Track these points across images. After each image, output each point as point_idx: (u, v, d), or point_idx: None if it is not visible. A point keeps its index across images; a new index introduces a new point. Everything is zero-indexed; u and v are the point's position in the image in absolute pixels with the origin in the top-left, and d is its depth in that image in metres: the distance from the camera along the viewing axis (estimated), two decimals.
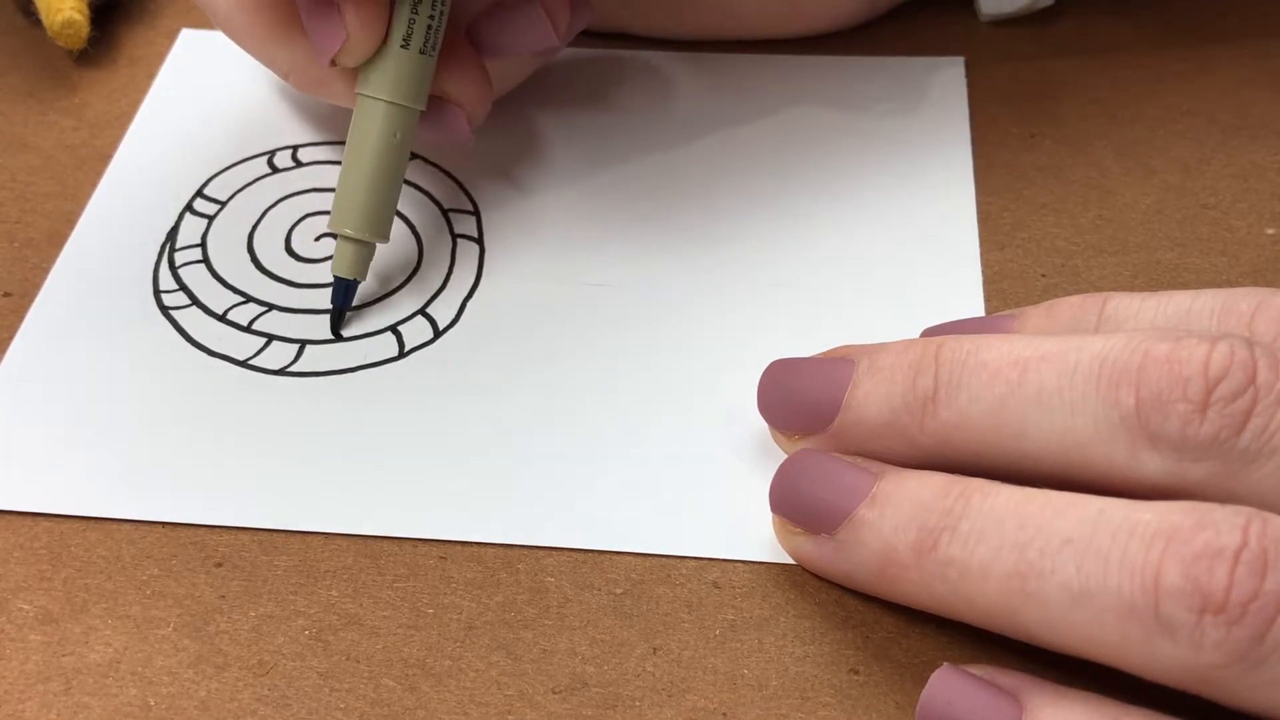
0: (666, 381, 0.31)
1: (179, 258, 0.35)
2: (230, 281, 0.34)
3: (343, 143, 0.37)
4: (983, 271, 0.33)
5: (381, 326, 0.33)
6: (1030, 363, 0.25)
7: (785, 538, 0.28)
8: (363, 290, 0.33)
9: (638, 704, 0.26)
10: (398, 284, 0.34)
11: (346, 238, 0.32)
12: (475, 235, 0.35)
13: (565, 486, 0.29)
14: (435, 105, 0.33)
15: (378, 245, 0.33)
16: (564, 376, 0.32)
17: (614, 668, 0.27)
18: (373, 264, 0.34)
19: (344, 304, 0.33)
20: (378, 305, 0.33)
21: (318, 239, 0.35)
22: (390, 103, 0.31)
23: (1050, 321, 0.28)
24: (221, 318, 0.33)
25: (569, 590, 0.28)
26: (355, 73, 0.32)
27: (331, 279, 0.33)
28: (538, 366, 0.32)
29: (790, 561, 0.28)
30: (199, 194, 0.36)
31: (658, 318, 0.33)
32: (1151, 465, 0.23)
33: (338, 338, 0.33)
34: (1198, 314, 0.26)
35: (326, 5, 0.30)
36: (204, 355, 0.32)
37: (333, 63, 0.31)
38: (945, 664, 0.25)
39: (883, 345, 0.27)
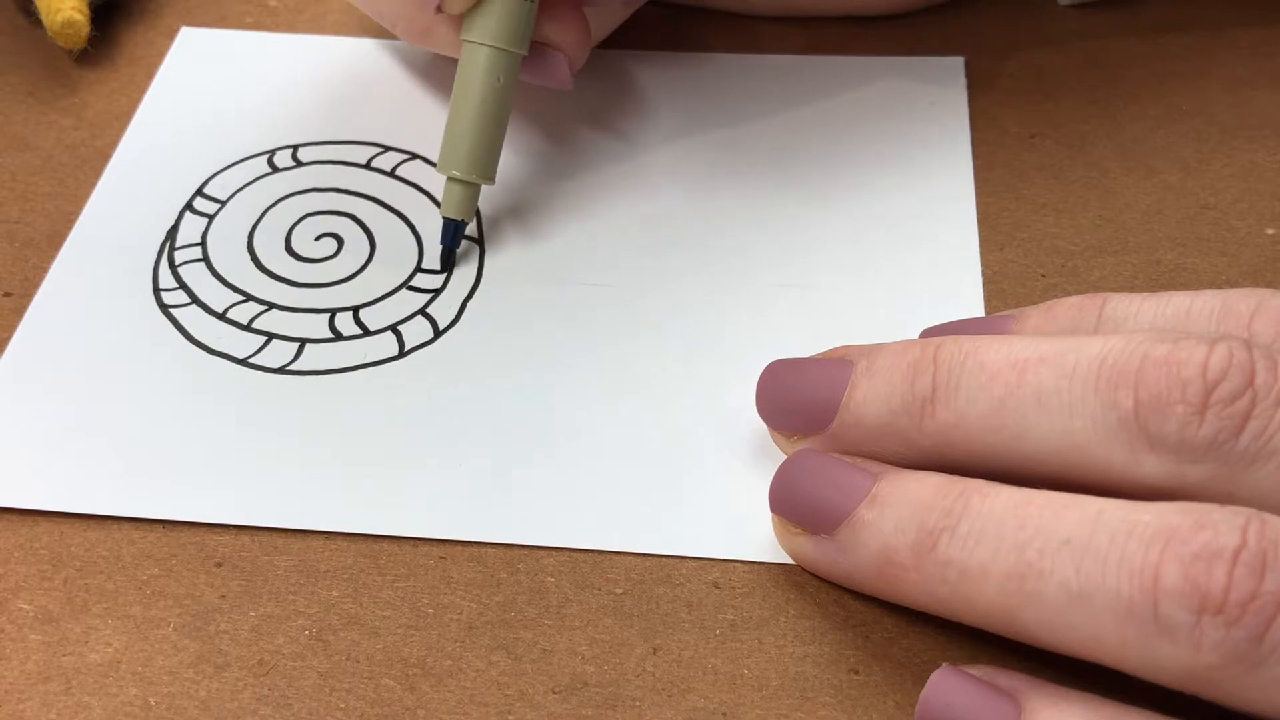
0: (666, 381, 0.31)
1: (179, 256, 0.35)
2: (230, 280, 0.34)
3: (343, 142, 0.37)
4: (983, 271, 0.33)
5: (381, 326, 0.33)
6: (1029, 364, 0.25)
7: (785, 538, 0.28)
8: (363, 289, 0.34)
9: (638, 704, 0.26)
10: (398, 284, 0.34)
11: (454, 179, 0.33)
12: (475, 235, 0.35)
13: (565, 486, 0.29)
14: (537, 50, 0.34)
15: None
16: (564, 376, 0.32)
17: (614, 668, 0.27)
18: (372, 262, 0.34)
19: (453, 244, 0.34)
20: (378, 304, 0.33)
21: (317, 238, 0.35)
22: (494, 48, 0.33)
23: (1049, 322, 0.28)
24: (221, 316, 0.33)
25: (569, 590, 0.28)
26: (460, 20, 0.33)
27: (325, 282, 0.33)
28: (538, 366, 0.32)
29: (790, 561, 0.28)
30: (199, 193, 0.36)
31: (657, 318, 0.33)
32: (1150, 467, 0.23)
33: (447, 273, 0.34)
34: (1197, 315, 0.26)
35: None
36: (203, 354, 0.32)
37: (439, 10, 0.32)
38: (945, 664, 0.25)
39: (881, 346, 0.27)
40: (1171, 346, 0.23)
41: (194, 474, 0.30)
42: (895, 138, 0.37)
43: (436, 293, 0.34)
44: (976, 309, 0.32)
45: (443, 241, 0.34)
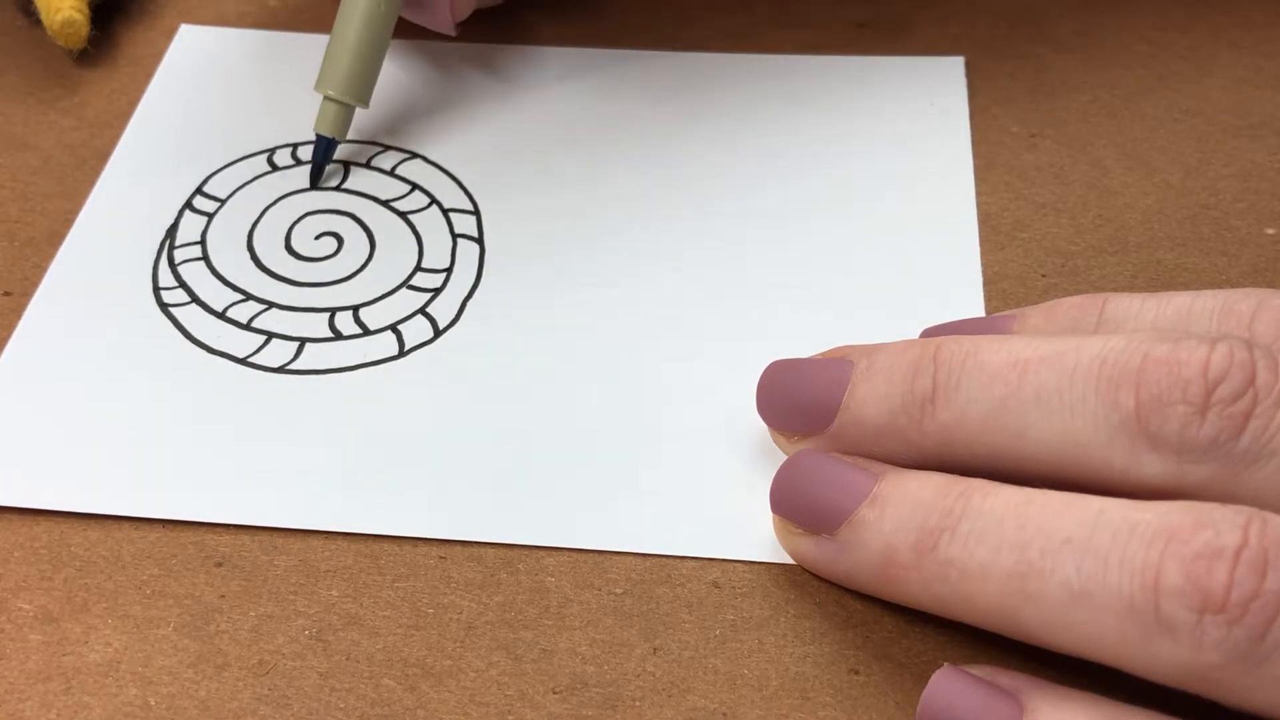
0: (666, 381, 0.31)
1: (178, 255, 0.35)
2: (230, 279, 0.34)
3: (343, 140, 0.37)
4: (983, 271, 0.33)
5: (381, 325, 0.33)
6: (1029, 364, 0.25)
7: (785, 538, 0.28)
8: (363, 288, 0.34)
9: (638, 704, 0.26)
10: (398, 283, 0.34)
11: (330, 99, 0.35)
12: (475, 235, 0.35)
13: (565, 486, 0.29)
14: None
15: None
16: (564, 376, 0.32)
17: (614, 668, 0.27)
18: (372, 261, 0.34)
19: (323, 160, 0.36)
20: (378, 304, 0.33)
21: (317, 237, 0.35)
22: None
23: (1050, 322, 0.28)
24: (221, 315, 0.33)
25: (569, 590, 0.28)
26: None
27: (325, 282, 0.33)
28: (538, 366, 0.32)
29: (790, 561, 0.28)
30: (199, 191, 0.36)
31: (657, 317, 0.33)
32: (1151, 467, 0.23)
33: (313, 187, 0.36)
34: (1197, 315, 0.26)
35: None
36: (203, 353, 0.32)
37: None
38: (945, 664, 0.25)
39: (882, 346, 0.27)
40: (1173, 346, 0.23)
41: (194, 474, 0.30)
42: (895, 138, 0.37)
43: (436, 292, 0.34)
44: (976, 309, 0.32)
45: (313, 157, 0.36)
